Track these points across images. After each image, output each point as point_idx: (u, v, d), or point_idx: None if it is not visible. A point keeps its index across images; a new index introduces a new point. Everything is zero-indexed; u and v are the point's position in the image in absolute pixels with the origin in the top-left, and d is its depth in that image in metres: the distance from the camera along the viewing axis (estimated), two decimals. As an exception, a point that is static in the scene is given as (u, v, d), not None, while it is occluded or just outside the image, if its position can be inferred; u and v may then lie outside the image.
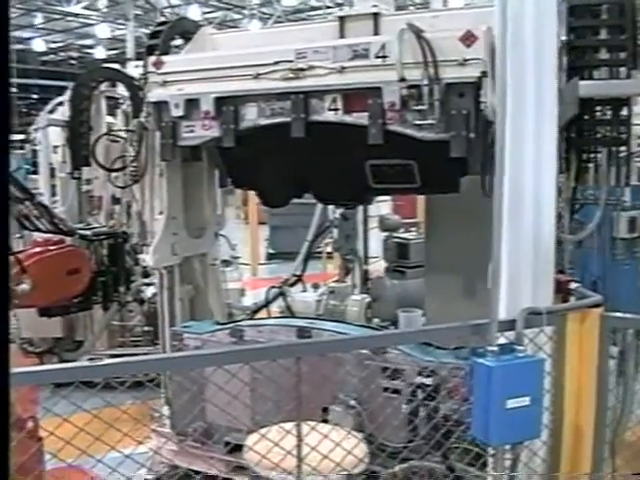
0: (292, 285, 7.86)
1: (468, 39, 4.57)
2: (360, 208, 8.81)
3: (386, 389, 5.15)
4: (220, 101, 5.49)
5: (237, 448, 5.02)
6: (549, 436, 4.06)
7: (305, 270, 8.35)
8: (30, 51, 40.25)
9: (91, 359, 8.29)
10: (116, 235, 7.55)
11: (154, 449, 5.58)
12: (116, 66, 8.24)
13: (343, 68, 4.99)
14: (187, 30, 6.32)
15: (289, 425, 3.94)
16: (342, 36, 5.59)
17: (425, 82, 4.65)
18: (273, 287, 7.72)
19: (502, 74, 3.82)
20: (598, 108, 4.85)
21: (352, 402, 5.21)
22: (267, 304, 7.69)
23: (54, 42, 41.28)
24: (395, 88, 4.79)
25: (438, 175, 5.40)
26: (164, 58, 5.79)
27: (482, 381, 3.62)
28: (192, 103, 5.60)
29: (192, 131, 5.66)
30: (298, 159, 5.84)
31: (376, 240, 9.21)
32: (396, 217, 9.24)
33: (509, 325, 3.81)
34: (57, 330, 8.34)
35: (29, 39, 39.12)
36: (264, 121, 5.39)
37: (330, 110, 5.14)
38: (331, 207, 8.54)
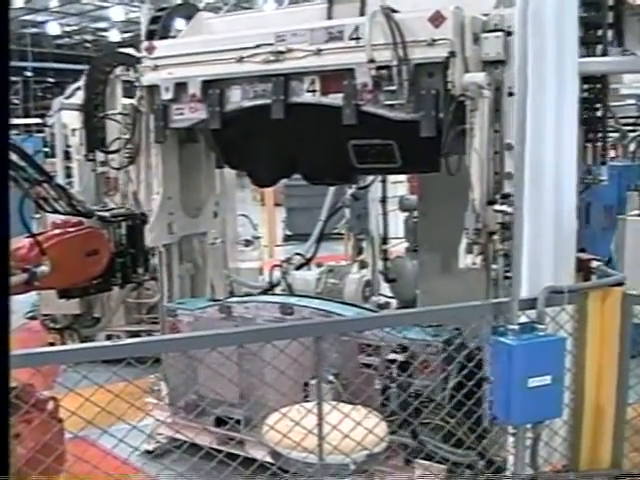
0: (300, 267, 7.91)
1: (437, 19, 4.56)
2: (378, 189, 8.84)
3: (364, 365, 5.24)
4: (207, 84, 5.59)
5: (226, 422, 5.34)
6: (570, 415, 4.07)
7: (317, 251, 8.40)
8: (45, 34, 40.30)
9: (109, 336, 8.41)
10: (134, 216, 7.54)
11: (157, 420, 5.75)
12: (130, 50, 8.22)
13: (319, 50, 5.03)
14: (187, 15, 6.39)
15: (309, 405, 3.97)
16: (330, 18, 5.63)
17: (394, 63, 4.67)
18: (276, 266, 7.84)
19: (523, 53, 3.80)
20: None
21: (330, 377, 5.26)
22: (274, 285, 7.78)
23: (69, 25, 41.27)
24: (367, 69, 4.81)
25: (417, 155, 5.41)
26: (155, 43, 5.91)
27: (503, 360, 3.62)
28: (181, 86, 5.71)
29: (182, 114, 5.79)
30: (285, 140, 5.91)
31: (396, 221, 9.21)
32: (415, 197, 9.20)
33: (530, 304, 3.81)
34: (75, 307, 8.46)
35: (44, 22, 39.16)
36: (247, 103, 5.49)
37: (308, 92, 5.19)
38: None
